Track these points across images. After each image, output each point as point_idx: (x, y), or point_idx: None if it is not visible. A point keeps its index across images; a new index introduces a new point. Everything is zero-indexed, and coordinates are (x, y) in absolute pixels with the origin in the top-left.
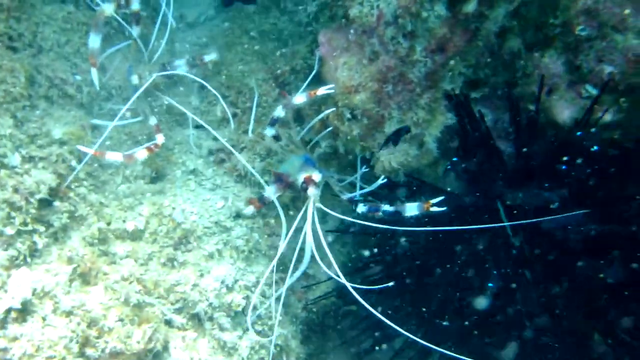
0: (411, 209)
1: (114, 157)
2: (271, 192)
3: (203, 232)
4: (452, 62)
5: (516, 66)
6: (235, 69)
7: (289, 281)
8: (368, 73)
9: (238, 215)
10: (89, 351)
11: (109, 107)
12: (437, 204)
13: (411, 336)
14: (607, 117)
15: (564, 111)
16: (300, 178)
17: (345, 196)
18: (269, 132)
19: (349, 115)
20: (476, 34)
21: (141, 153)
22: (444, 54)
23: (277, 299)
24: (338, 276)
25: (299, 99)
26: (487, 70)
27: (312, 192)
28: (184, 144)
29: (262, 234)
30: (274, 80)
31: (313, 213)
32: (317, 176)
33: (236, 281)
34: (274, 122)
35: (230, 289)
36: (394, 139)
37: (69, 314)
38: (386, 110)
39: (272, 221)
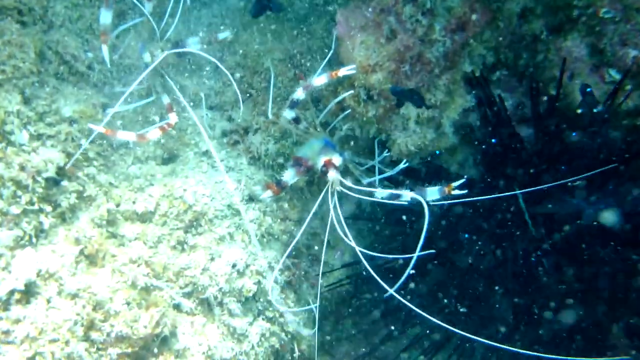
0: (432, 193)
1: (125, 136)
2: (290, 176)
3: (214, 214)
4: (472, 43)
5: (537, 49)
6: (251, 49)
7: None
8: (385, 52)
9: (251, 199)
10: (94, 335)
11: (118, 89)
12: (459, 187)
13: (432, 318)
14: (630, 103)
15: None
16: (320, 161)
17: (365, 181)
18: (289, 114)
19: (365, 96)
20: (497, 14)
21: (154, 133)
22: (464, 34)
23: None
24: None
25: (320, 80)
26: (508, 52)
27: (333, 175)
28: (197, 125)
29: (275, 217)
30: (289, 61)
31: (334, 197)
32: (337, 159)
33: (247, 266)
34: (293, 105)
35: (241, 274)
36: (404, 97)
37: (74, 296)
38: None
39: (286, 205)
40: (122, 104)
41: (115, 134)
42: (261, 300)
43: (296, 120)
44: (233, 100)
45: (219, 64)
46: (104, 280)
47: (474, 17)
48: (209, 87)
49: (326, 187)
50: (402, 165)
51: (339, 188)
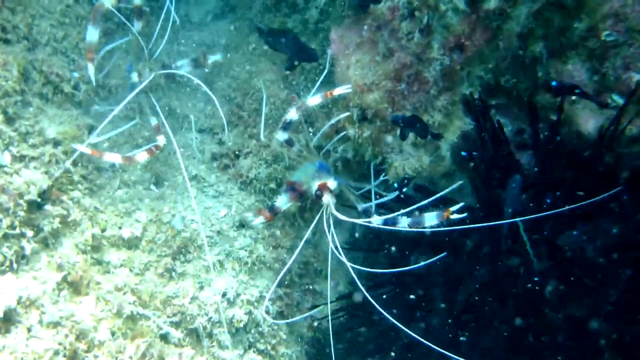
0: (430, 219)
1: (112, 158)
2: (283, 201)
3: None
4: (471, 63)
5: (538, 73)
6: (242, 70)
7: None
8: (382, 71)
9: (242, 225)
10: None
11: (103, 109)
12: (457, 211)
13: (433, 346)
14: (634, 130)
15: (589, 121)
16: (315, 185)
17: (361, 207)
18: (282, 136)
19: (360, 117)
20: (497, 34)
21: (141, 155)
22: (463, 53)
23: None
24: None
25: (314, 100)
26: (508, 75)
27: (328, 199)
28: (186, 148)
29: (267, 245)
30: (282, 81)
31: (329, 221)
32: (332, 183)
33: (238, 295)
34: (287, 126)
35: (231, 304)
36: (406, 126)
37: (56, 325)
38: (400, 112)
39: (278, 232)
40: (108, 125)
41: (102, 155)
42: (252, 331)
43: (289, 143)
44: (224, 123)
45: (204, 86)
46: (88, 309)
47: (473, 35)
48: (199, 110)
49: (320, 211)
50: (398, 189)
51: (334, 212)
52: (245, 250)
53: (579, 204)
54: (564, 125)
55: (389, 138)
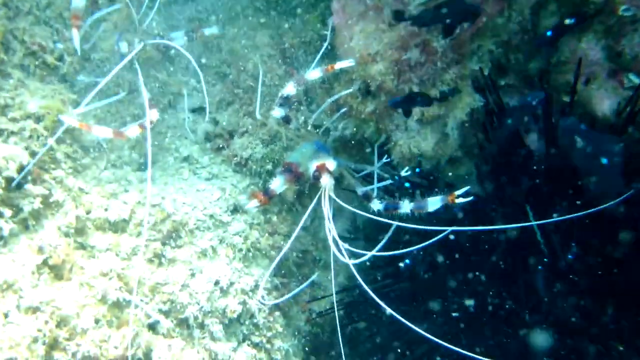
0: (434, 204)
1: (101, 132)
2: (279, 183)
3: (196, 225)
4: (482, 35)
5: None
6: (238, 45)
7: None
8: (387, 39)
9: (236, 209)
10: (58, 355)
11: (89, 79)
12: (463, 195)
13: (432, 338)
14: None
15: (604, 102)
16: (312, 166)
17: (360, 190)
18: (279, 112)
19: (363, 90)
20: (510, 4)
21: (132, 130)
22: (474, 24)
23: None
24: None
25: (314, 74)
26: (519, 54)
27: (326, 181)
28: (178, 128)
29: (262, 231)
30: (280, 55)
31: (329, 203)
32: (331, 164)
33: (232, 284)
34: (283, 102)
35: (224, 293)
36: (407, 104)
37: (35, 310)
38: (407, 84)
39: (274, 218)
40: (94, 100)
41: (90, 128)
42: (247, 322)
43: (286, 120)
44: (218, 101)
45: (192, 59)
46: (71, 294)
47: (484, 3)
48: (192, 87)
49: (318, 194)
50: (403, 173)
51: (332, 195)
52: (240, 236)
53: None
54: (578, 106)
55: (394, 114)
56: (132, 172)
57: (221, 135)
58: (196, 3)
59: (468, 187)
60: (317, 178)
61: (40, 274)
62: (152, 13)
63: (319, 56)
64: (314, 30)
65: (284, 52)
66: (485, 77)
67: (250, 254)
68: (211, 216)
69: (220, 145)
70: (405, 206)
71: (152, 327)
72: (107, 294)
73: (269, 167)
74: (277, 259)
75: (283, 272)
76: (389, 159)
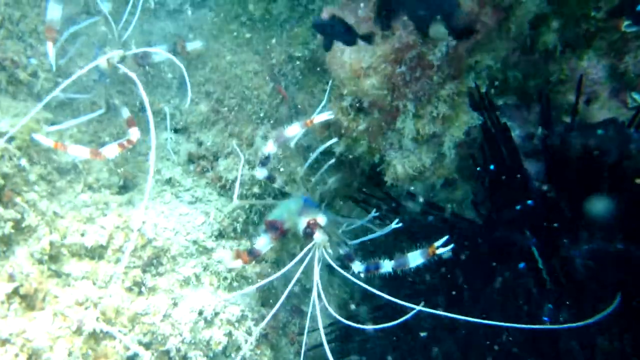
0: (414, 258)
1: (78, 152)
2: (264, 243)
3: (178, 252)
4: (479, 49)
5: (550, 70)
6: (222, 61)
7: None
8: (381, 52)
9: (221, 234)
10: None
11: (65, 96)
12: (443, 245)
13: None
14: None
15: None
16: (303, 223)
17: (343, 250)
18: (261, 173)
19: (355, 107)
20: (508, 16)
21: (111, 149)
22: (471, 36)
23: None
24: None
25: (292, 129)
26: (517, 72)
27: (319, 237)
28: (160, 149)
29: None
30: (267, 72)
31: (319, 261)
32: (322, 219)
33: (217, 314)
34: (265, 161)
35: (209, 323)
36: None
37: (4, 342)
38: (401, 100)
39: None
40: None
41: (66, 148)
42: (232, 355)
43: (270, 180)
44: (201, 121)
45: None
46: (43, 325)
47: (482, 14)
48: (175, 107)
49: (307, 247)
50: (393, 225)
51: (325, 251)
52: None
53: None
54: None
55: (388, 132)
56: (110, 195)
57: (205, 156)
58: (177, 20)
59: (447, 236)
60: (309, 234)
61: (10, 304)
62: (131, 26)
63: (316, 113)
64: (303, 45)
65: (271, 68)
66: (482, 96)
67: (237, 283)
68: (194, 242)
69: (204, 167)
70: (387, 265)
71: (132, 359)
72: (82, 325)
73: (256, 189)
74: (259, 284)
75: (271, 301)
76: (377, 213)
